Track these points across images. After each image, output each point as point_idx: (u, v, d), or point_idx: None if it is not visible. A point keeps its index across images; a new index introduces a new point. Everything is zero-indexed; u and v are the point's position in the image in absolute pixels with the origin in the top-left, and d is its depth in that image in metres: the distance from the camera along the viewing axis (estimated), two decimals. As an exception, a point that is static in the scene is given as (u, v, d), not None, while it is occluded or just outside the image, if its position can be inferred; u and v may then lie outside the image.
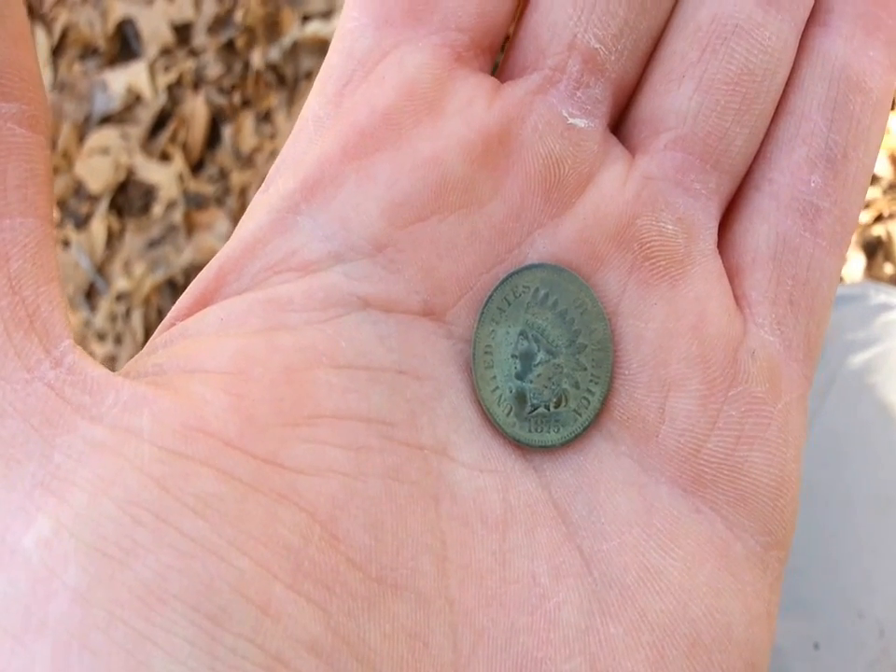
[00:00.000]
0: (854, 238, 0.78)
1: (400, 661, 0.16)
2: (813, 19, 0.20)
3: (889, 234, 0.77)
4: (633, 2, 0.19)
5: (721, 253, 0.20)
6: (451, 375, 0.18)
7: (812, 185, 0.19)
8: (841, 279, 0.75)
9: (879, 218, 0.78)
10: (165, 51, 1.01)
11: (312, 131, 0.19)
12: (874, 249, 0.78)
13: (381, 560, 0.16)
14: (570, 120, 0.19)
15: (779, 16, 0.19)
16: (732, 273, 0.20)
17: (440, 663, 0.16)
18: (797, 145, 0.20)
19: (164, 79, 1.01)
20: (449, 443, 0.18)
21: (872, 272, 0.77)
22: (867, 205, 0.79)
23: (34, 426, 0.14)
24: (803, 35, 0.20)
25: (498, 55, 0.20)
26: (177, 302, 0.18)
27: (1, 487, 0.14)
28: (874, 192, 0.79)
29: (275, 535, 0.15)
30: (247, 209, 0.19)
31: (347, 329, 0.18)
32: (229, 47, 1.00)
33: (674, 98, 0.19)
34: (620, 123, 0.20)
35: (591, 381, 0.19)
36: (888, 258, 0.77)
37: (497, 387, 0.19)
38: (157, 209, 0.99)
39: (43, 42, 1.07)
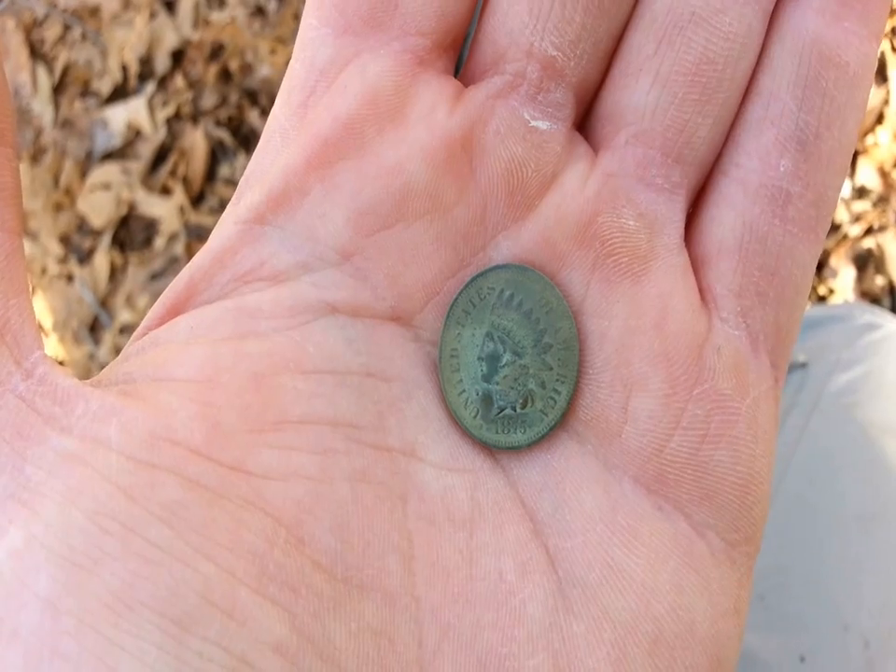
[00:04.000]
0: (844, 251, 0.78)
1: (366, 658, 0.16)
2: None
3: (879, 247, 0.78)
4: (590, 6, 0.18)
5: (688, 244, 0.19)
6: (419, 377, 0.19)
7: (782, 169, 0.19)
8: (828, 296, 0.75)
9: (869, 231, 0.78)
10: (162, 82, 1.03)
11: (278, 142, 0.19)
12: (864, 262, 0.78)
13: (347, 561, 0.16)
14: (532, 123, 0.19)
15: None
16: (697, 265, 0.19)
17: (405, 659, 0.16)
18: (765, 127, 0.19)
19: (163, 113, 1.02)
20: (417, 444, 0.18)
21: (863, 285, 0.77)
22: (857, 218, 0.79)
23: (5, 438, 0.15)
24: (774, 11, 0.19)
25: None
26: (150, 312, 0.19)
27: None
28: (864, 205, 0.79)
29: (241, 540, 0.15)
30: (218, 221, 0.19)
31: (315, 334, 0.18)
32: (224, 75, 1.01)
33: (632, 93, 0.19)
34: (584, 120, 0.20)
35: (557, 380, 0.19)
36: (878, 270, 0.77)
37: (464, 391, 0.19)
38: (159, 242, 1.00)
39: (45, 81, 1.08)
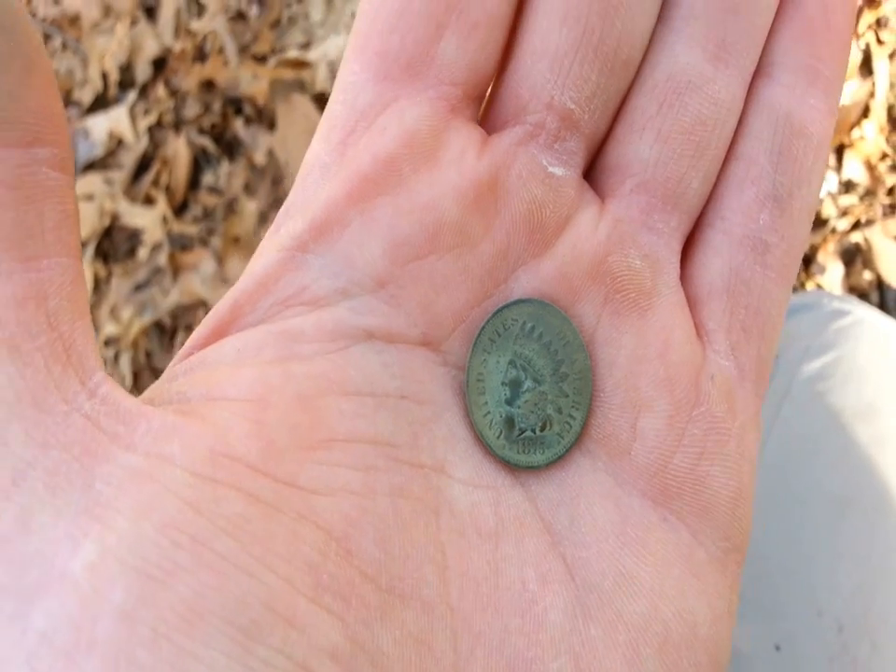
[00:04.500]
0: (831, 247, 0.77)
1: (409, 664, 0.17)
2: (759, 71, 0.22)
3: (867, 241, 0.77)
4: (604, 68, 0.21)
5: (682, 284, 0.22)
6: (447, 400, 0.20)
7: (761, 222, 0.21)
8: (801, 288, 0.75)
9: (857, 225, 0.78)
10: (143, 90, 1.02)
11: (318, 176, 0.20)
12: (852, 257, 0.77)
13: (390, 572, 0.17)
14: (550, 169, 0.21)
15: (728, 71, 0.21)
16: (691, 304, 0.22)
17: (442, 664, 0.17)
18: (746, 186, 0.21)
19: (145, 122, 1.02)
20: (446, 462, 0.19)
21: (851, 279, 0.77)
22: (844, 212, 0.78)
23: (75, 456, 0.15)
24: (750, 86, 0.22)
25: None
26: (194, 333, 0.19)
27: (49, 515, 0.15)
28: (851, 199, 0.79)
29: (297, 552, 0.16)
30: (258, 249, 0.20)
31: (354, 358, 0.19)
32: (207, 83, 1.01)
33: (637, 148, 0.21)
34: (591, 170, 0.22)
35: (573, 406, 0.20)
36: (866, 265, 0.77)
37: (489, 412, 0.20)
38: (142, 253, 0.99)
39: (25, 92, 1.07)
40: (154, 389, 0.18)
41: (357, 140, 0.20)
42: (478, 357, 0.20)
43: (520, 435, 0.20)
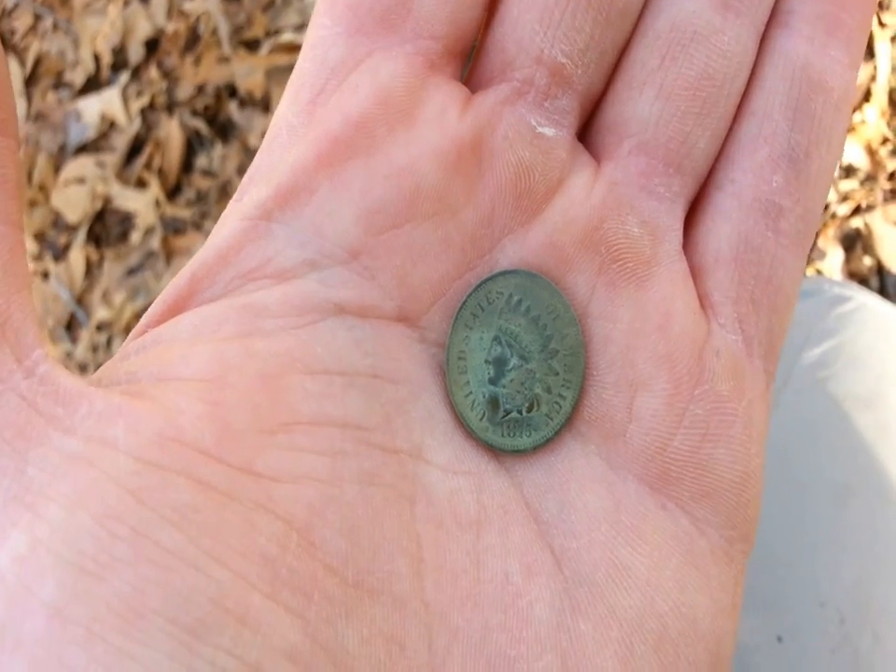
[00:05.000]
0: (831, 232, 0.77)
1: (378, 664, 0.16)
2: (773, 20, 0.20)
3: (867, 226, 0.77)
4: (598, 17, 0.19)
5: (685, 252, 0.20)
6: (425, 379, 0.19)
7: (774, 185, 0.20)
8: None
9: (857, 210, 0.77)
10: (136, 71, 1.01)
11: (285, 139, 0.19)
12: (852, 242, 0.77)
13: (358, 565, 0.16)
14: (539, 129, 0.19)
15: (738, 20, 0.20)
16: (695, 273, 0.20)
17: (416, 664, 0.16)
18: (759, 145, 0.20)
19: (137, 104, 1.01)
20: (423, 446, 0.18)
21: (851, 265, 0.76)
22: (845, 198, 0.78)
23: (6, 439, 0.14)
24: (764, 36, 0.20)
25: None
26: (150, 309, 0.18)
27: None
28: (851, 184, 0.78)
29: (253, 544, 0.15)
30: (221, 217, 0.19)
31: (323, 334, 0.18)
32: (199, 64, 1.00)
33: (636, 105, 0.20)
34: (586, 130, 0.21)
35: (562, 385, 0.19)
36: (866, 250, 0.76)
37: (471, 392, 0.19)
38: (135, 236, 0.98)
39: (16, 73, 1.06)
40: (104, 369, 0.17)
41: (327, 99, 0.19)
42: (459, 332, 0.19)
43: (505, 416, 0.19)
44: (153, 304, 0.18)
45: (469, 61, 0.21)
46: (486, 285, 0.19)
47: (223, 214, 0.19)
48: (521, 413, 0.19)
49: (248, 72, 0.97)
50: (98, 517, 0.14)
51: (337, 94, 0.19)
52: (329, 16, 0.19)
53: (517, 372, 0.19)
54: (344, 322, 0.18)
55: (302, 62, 0.20)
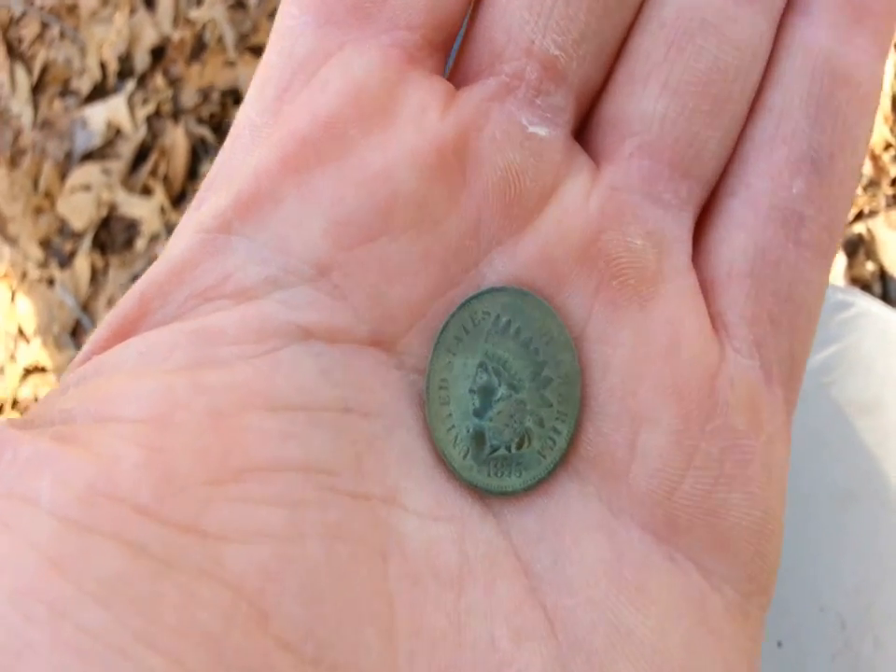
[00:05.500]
0: (834, 237, 0.77)
1: None
2: (792, 7, 0.18)
3: (870, 232, 0.76)
4: (595, 4, 0.17)
5: (695, 267, 0.18)
6: (402, 411, 0.17)
7: (794, 191, 0.18)
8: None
9: (860, 216, 0.77)
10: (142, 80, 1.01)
11: (248, 140, 0.17)
12: (854, 248, 0.77)
13: (318, 638, 0.14)
14: (530, 129, 0.17)
15: (752, 7, 0.18)
16: (706, 290, 0.18)
17: None
18: (777, 146, 0.18)
19: (143, 112, 1.01)
20: (399, 490, 0.16)
21: (853, 270, 0.76)
22: (848, 203, 0.78)
23: None
24: (781, 25, 0.18)
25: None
26: (94, 333, 0.16)
27: None
28: (854, 190, 0.78)
29: (192, 621, 0.13)
30: (176, 229, 0.17)
31: (285, 363, 0.16)
32: (205, 67, 1.00)
33: (639, 101, 0.18)
34: (583, 130, 0.19)
35: (557, 418, 0.17)
36: (869, 256, 0.76)
37: (454, 426, 0.17)
38: (140, 243, 0.98)
39: (23, 80, 1.07)
40: (40, 406, 0.15)
41: (295, 97, 0.17)
42: (441, 358, 0.17)
43: (492, 454, 0.17)
44: (98, 327, 0.16)
45: (453, 54, 0.19)
46: (471, 304, 0.17)
47: (179, 224, 0.17)
48: (510, 450, 0.17)
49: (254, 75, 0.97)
50: (11, 595, 0.12)
51: (305, 91, 0.17)
52: (297, 4, 0.17)
53: (505, 403, 0.17)
54: (311, 348, 0.16)
55: (269, 54, 0.18)
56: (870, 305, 0.43)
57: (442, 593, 0.15)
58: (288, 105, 0.17)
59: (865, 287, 0.75)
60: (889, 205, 0.76)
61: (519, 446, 0.17)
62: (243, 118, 0.18)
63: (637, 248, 0.17)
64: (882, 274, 0.75)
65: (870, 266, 0.75)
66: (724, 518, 0.17)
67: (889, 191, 0.77)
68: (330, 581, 0.14)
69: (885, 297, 0.75)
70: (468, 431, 0.17)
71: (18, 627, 0.12)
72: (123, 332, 0.16)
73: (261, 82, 0.18)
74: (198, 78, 1.00)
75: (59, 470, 0.13)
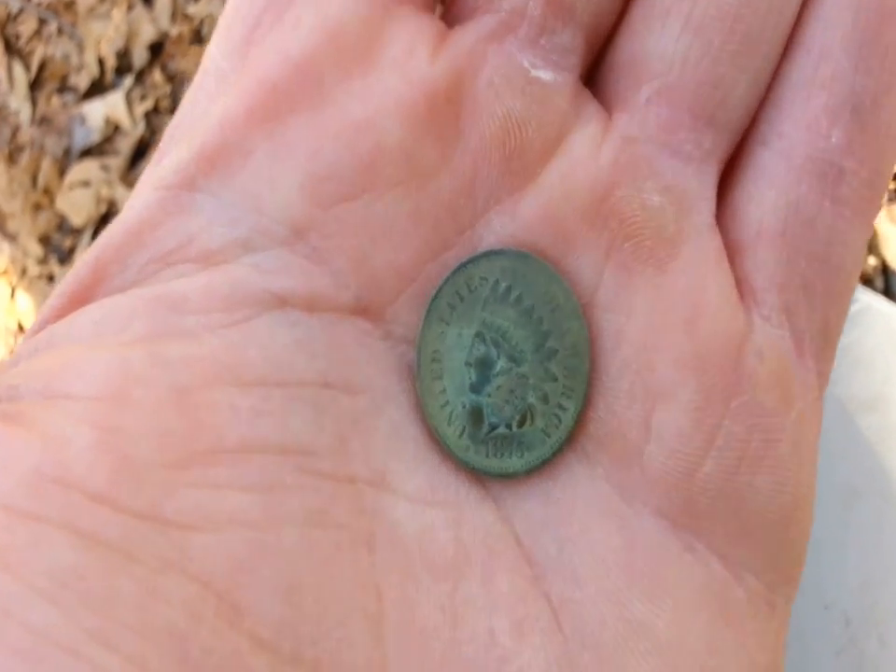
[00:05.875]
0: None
1: None
2: None
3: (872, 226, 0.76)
4: None
5: (719, 227, 0.16)
6: (390, 386, 0.15)
7: (833, 141, 0.16)
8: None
9: (862, 210, 0.77)
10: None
11: (212, 87, 0.16)
12: (857, 242, 0.77)
13: (297, 633, 0.13)
14: (533, 73, 0.16)
15: None
16: (732, 252, 0.16)
17: None
18: (815, 91, 0.16)
19: (141, 108, 1.01)
20: (388, 471, 0.15)
21: (855, 266, 0.76)
22: (850, 197, 0.77)
23: None
24: None
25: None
26: (48, 300, 0.15)
27: None
28: (856, 184, 0.78)
29: (155, 618, 0.12)
30: (136, 187, 0.15)
31: (258, 334, 0.14)
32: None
33: (657, 40, 0.16)
34: (594, 74, 0.17)
35: (563, 394, 0.16)
36: (871, 250, 0.76)
37: (448, 402, 0.15)
38: (139, 240, 0.98)
39: (21, 77, 1.07)
40: None
41: (264, 36, 0.15)
42: (433, 328, 0.15)
43: (490, 432, 0.16)
44: (52, 295, 0.15)
45: None
46: (466, 268, 0.16)
47: (139, 181, 0.16)
48: (510, 429, 0.16)
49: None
50: None
51: (276, 30, 0.15)
52: None
53: (505, 377, 0.16)
54: (286, 317, 0.14)
55: None
56: (873, 301, 0.43)
57: (436, 584, 0.14)
58: (257, 46, 0.15)
59: (867, 281, 0.75)
60: (891, 200, 0.76)
61: (521, 424, 0.16)
62: (207, 62, 0.16)
63: (653, 206, 0.16)
64: (884, 269, 0.75)
65: (872, 260, 0.75)
66: (749, 503, 0.15)
67: (892, 185, 0.77)
68: (310, 572, 0.13)
69: (887, 292, 0.75)
70: (463, 408, 0.16)
71: None
72: (79, 299, 0.15)
73: (228, 21, 0.16)
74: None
75: (2, 453, 0.12)
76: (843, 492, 0.37)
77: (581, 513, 0.15)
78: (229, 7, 0.16)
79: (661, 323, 0.16)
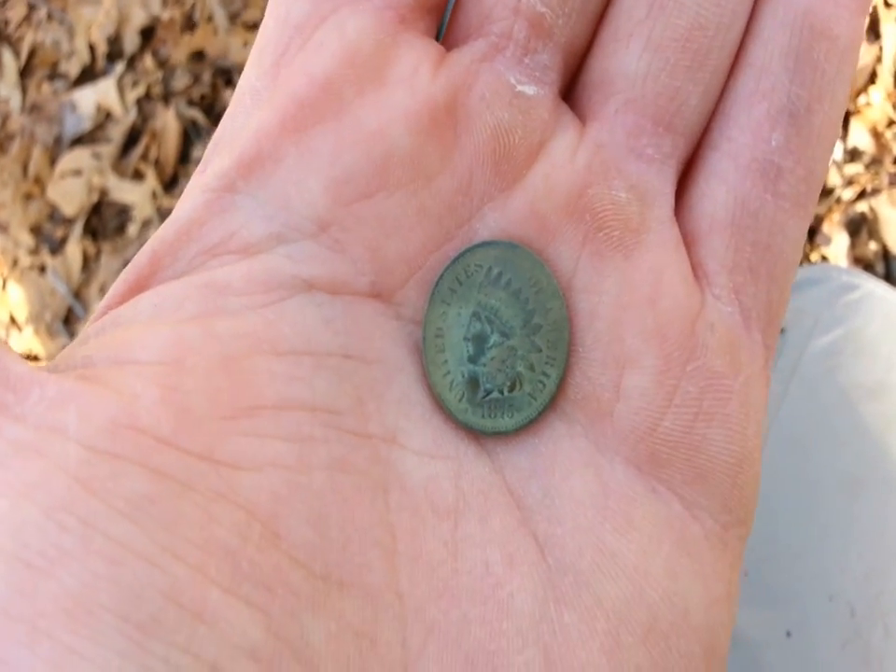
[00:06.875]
0: (836, 217, 0.76)
1: (346, 661, 0.15)
2: None
3: (873, 211, 0.76)
4: None
5: (677, 219, 0.19)
6: (400, 358, 0.18)
7: (773, 143, 0.18)
8: (806, 261, 0.74)
9: (862, 194, 0.77)
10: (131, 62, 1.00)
11: (248, 104, 0.18)
12: (857, 227, 0.76)
13: (326, 556, 0.15)
14: (518, 88, 0.18)
15: None
16: (688, 241, 0.19)
17: (388, 661, 0.15)
18: (757, 100, 0.18)
19: (133, 94, 1.00)
20: (398, 430, 0.17)
21: (856, 250, 0.76)
22: (850, 182, 0.77)
23: None
24: None
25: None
26: (111, 289, 0.17)
27: None
28: (856, 167, 0.77)
29: (212, 536, 0.14)
30: (185, 191, 0.18)
31: (290, 312, 0.17)
32: (197, 55, 0.99)
33: (622, 59, 0.18)
34: (570, 88, 0.20)
35: (546, 363, 0.18)
36: (872, 235, 0.75)
37: (449, 372, 0.18)
38: (132, 229, 0.97)
39: (10, 64, 1.06)
40: (62, 355, 0.16)
41: (292, 60, 0.18)
42: (436, 308, 0.18)
43: (485, 397, 0.18)
44: (114, 284, 0.17)
45: (446, 17, 0.19)
46: (464, 257, 0.18)
47: (187, 187, 0.18)
48: (502, 393, 0.18)
49: (243, 48, 0.96)
50: (45, 509, 0.13)
51: (301, 54, 0.18)
52: None
53: (498, 350, 0.18)
54: (313, 299, 0.17)
55: (266, 20, 0.18)
56: (875, 287, 0.42)
57: (440, 523, 0.17)
58: (286, 68, 0.18)
59: (868, 266, 0.74)
60: (892, 183, 0.75)
61: (511, 389, 0.18)
62: (244, 82, 0.18)
63: (621, 201, 0.18)
64: (885, 254, 0.75)
65: (873, 245, 0.75)
66: (703, 452, 0.18)
67: (892, 169, 0.76)
68: (336, 508, 0.16)
69: (888, 277, 0.74)
70: (463, 376, 0.18)
71: (53, 537, 0.13)
72: (137, 287, 0.17)
73: (260, 47, 0.18)
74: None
75: (83, 405, 0.14)
76: (847, 482, 0.37)
77: (562, 464, 0.18)
78: (260, 36, 0.19)
79: (628, 301, 0.18)
